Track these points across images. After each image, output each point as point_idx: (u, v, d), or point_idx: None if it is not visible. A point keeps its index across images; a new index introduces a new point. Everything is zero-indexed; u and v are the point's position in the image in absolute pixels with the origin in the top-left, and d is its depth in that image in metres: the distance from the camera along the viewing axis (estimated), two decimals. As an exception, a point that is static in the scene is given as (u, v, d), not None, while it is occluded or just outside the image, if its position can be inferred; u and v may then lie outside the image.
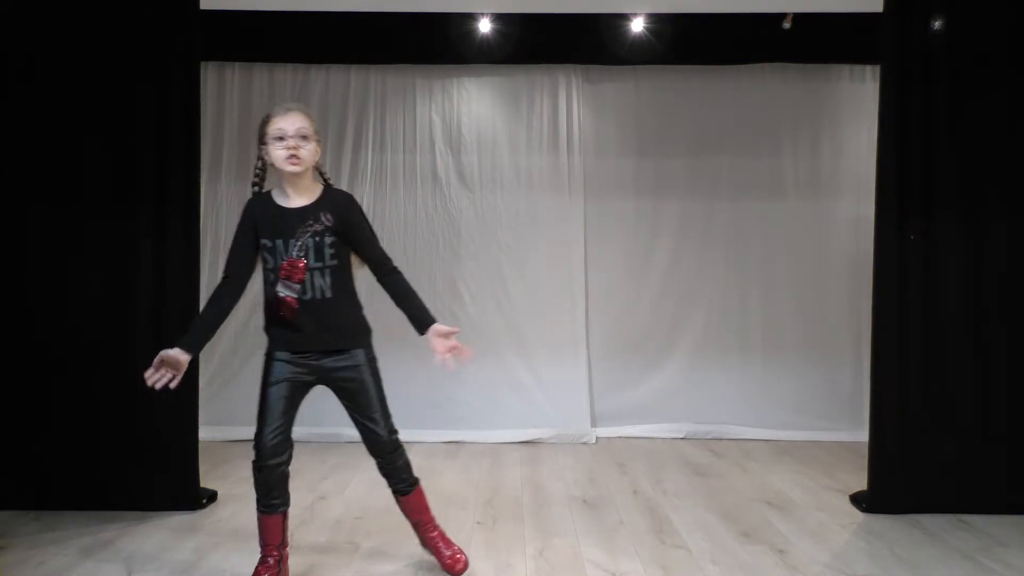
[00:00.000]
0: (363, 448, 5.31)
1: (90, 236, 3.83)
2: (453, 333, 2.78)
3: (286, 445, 2.79)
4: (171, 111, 3.85)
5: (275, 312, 2.76)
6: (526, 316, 5.67)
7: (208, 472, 4.29)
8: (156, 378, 2.62)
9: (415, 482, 3.01)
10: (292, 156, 2.69)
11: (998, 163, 3.95)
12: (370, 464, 4.80)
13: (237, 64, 5.70)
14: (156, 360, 2.63)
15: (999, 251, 3.94)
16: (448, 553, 3.02)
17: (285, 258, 2.71)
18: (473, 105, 5.79)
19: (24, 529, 3.55)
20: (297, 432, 5.31)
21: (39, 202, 3.83)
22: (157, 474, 3.81)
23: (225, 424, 5.38)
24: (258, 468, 2.77)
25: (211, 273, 5.61)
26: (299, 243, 2.72)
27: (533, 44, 5.46)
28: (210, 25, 4.32)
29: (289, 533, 2.96)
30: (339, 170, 5.71)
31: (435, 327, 2.79)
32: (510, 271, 5.72)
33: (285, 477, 2.81)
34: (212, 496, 4.02)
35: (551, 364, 5.66)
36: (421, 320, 2.82)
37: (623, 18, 5.29)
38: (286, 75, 5.72)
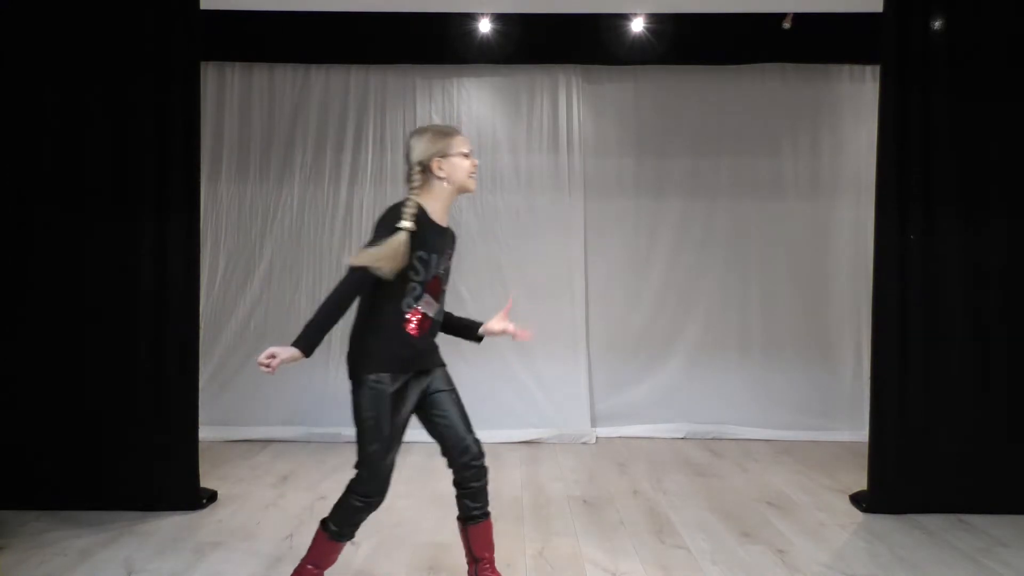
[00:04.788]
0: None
1: (91, 236, 3.83)
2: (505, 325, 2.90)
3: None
4: (171, 111, 3.86)
5: (401, 329, 2.63)
6: (526, 316, 5.64)
7: (208, 472, 4.29)
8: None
9: (488, 512, 2.83)
10: (473, 175, 2.75)
11: (997, 162, 3.95)
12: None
13: (237, 64, 5.71)
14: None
15: (999, 250, 3.94)
16: None
17: (434, 275, 2.67)
18: (473, 105, 5.79)
19: (24, 529, 3.55)
20: (297, 432, 5.40)
21: (41, 202, 3.84)
22: (157, 474, 3.81)
23: (225, 424, 5.39)
24: (370, 503, 2.69)
25: (211, 272, 5.62)
26: (444, 264, 2.73)
27: (533, 44, 5.46)
28: (210, 25, 4.32)
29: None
30: (339, 170, 5.71)
31: (486, 324, 2.91)
32: (510, 271, 5.72)
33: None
34: (212, 496, 4.02)
35: (551, 364, 5.66)
36: (470, 326, 2.91)
37: (623, 18, 5.29)
38: (286, 75, 5.72)
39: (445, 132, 2.75)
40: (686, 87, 5.78)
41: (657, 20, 5.29)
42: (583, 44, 5.49)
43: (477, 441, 2.78)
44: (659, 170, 5.81)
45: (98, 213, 3.84)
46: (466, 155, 2.72)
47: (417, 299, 2.64)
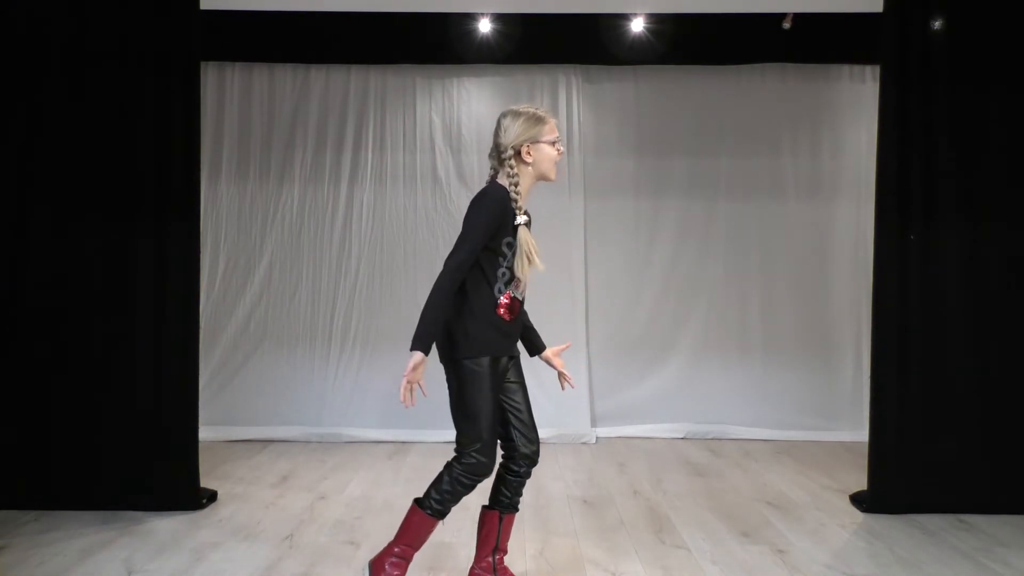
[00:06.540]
0: (363, 448, 5.18)
1: (91, 236, 3.83)
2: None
3: None
4: (171, 111, 3.86)
5: (494, 313, 2.70)
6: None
7: (208, 472, 4.28)
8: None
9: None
10: (557, 164, 2.80)
11: (997, 163, 3.95)
12: (370, 464, 4.84)
13: (237, 64, 5.70)
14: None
15: (998, 251, 3.94)
16: None
17: None
18: (473, 105, 5.79)
19: (24, 529, 3.55)
20: (297, 432, 5.40)
21: (39, 202, 3.84)
22: (157, 474, 3.81)
23: (225, 424, 5.39)
24: (479, 480, 2.70)
25: (211, 272, 5.62)
26: None
27: (533, 44, 5.45)
28: (210, 25, 4.32)
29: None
30: (339, 170, 5.71)
31: (547, 351, 3.02)
32: (510, 271, 5.71)
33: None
34: (212, 496, 4.02)
35: (551, 364, 5.65)
36: (535, 344, 3.04)
37: (623, 18, 5.28)
38: (286, 75, 5.72)
39: (540, 118, 2.76)
40: (686, 87, 5.77)
41: (657, 20, 5.29)
42: (583, 44, 5.49)
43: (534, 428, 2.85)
44: (659, 170, 5.81)
45: (98, 213, 3.83)
46: (554, 143, 2.76)
47: (508, 283, 2.75)
